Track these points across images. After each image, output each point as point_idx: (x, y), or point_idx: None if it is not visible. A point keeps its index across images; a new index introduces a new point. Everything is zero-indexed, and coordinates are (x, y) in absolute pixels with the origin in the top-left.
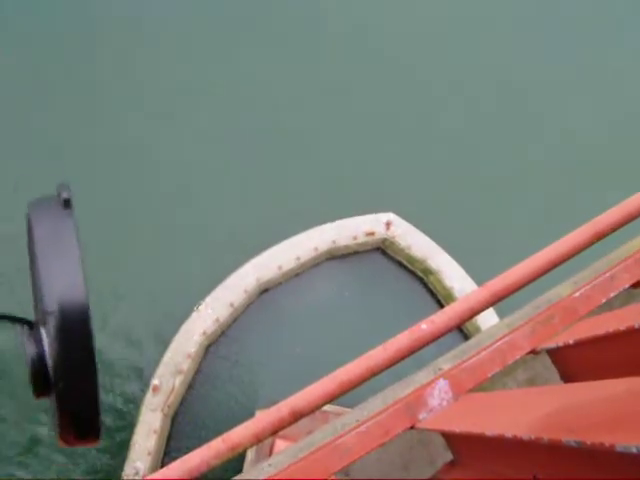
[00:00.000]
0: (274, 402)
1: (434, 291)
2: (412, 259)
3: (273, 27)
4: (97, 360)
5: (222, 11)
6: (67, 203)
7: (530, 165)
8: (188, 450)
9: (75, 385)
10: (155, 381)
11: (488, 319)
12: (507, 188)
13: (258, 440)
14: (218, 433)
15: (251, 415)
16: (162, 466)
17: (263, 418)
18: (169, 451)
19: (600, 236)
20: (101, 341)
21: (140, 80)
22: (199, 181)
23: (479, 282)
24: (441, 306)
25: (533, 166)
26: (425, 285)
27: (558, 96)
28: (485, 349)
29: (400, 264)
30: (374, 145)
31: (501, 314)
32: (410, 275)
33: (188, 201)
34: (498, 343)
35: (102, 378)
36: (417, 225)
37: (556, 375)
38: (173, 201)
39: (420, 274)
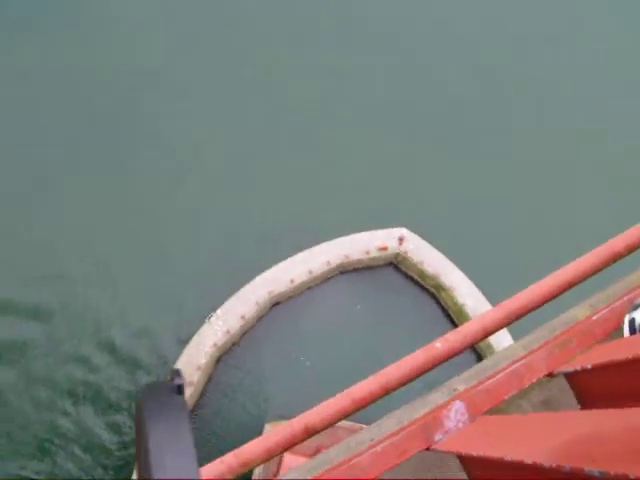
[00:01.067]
0: (283, 415)
1: (446, 307)
2: (424, 275)
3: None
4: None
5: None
6: (180, 390)
7: (548, 184)
8: (197, 459)
9: None
10: None
11: (500, 337)
12: (524, 207)
13: (270, 456)
14: (226, 441)
15: (260, 426)
16: None
17: (276, 434)
18: None
19: (617, 257)
20: (110, 344)
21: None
22: (220, 194)
23: (491, 299)
24: (452, 322)
25: (551, 185)
26: (437, 301)
27: (586, 116)
28: (501, 371)
29: (412, 279)
30: (389, 160)
31: (514, 333)
32: (422, 291)
33: (204, 214)
34: (515, 365)
35: (109, 394)
36: (430, 240)
37: (572, 398)
38: (192, 212)
39: (432, 290)
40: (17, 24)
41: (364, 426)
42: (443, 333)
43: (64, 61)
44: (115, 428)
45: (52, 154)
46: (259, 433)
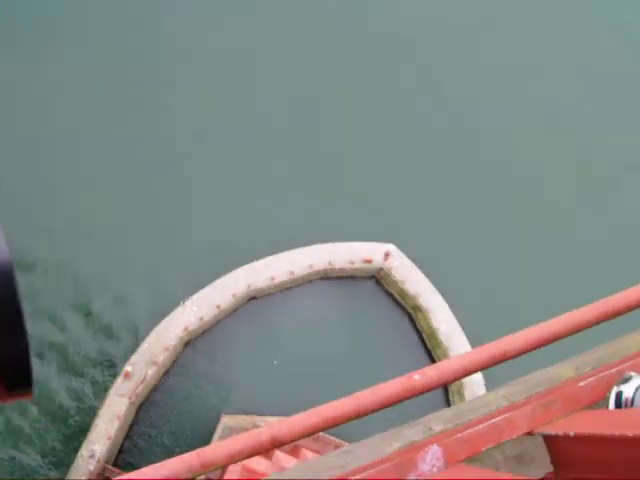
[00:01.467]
0: (241, 408)
1: (419, 329)
2: (404, 294)
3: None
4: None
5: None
6: None
7: (550, 224)
8: (149, 437)
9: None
10: (127, 368)
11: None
12: (519, 251)
13: (232, 461)
14: (182, 425)
15: (217, 414)
16: (121, 450)
17: (241, 440)
18: (131, 435)
19: (608, 317)
20: (81, 319)
21: None
22: (219, 182)
23: (465, 328)
24: (424, 344)
25: (552, 225)
26: (412, 321)
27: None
28: (482, 422)
29: (392, 296)
30: (386, 174)
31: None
32: (399, 309)
33: (200, 201)
34: (497, 419)
35: (74, 358)
36: (417, 259)
37: (546, 456)
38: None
39: (409, 310)
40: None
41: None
42: (412, 353)
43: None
44: (73, 393)
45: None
46: (215, 421)
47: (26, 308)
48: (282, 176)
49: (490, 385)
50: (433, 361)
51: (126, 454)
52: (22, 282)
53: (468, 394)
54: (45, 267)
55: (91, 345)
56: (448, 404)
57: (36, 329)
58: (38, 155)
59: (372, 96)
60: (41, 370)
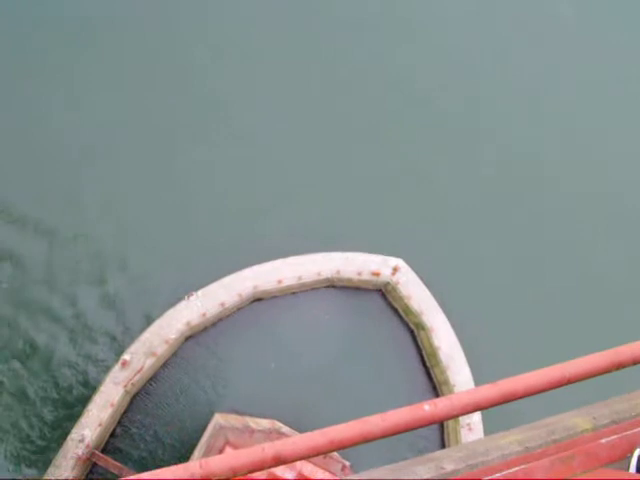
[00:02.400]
0: (235, 408)
1: (420, 346)
2: (409, 310)
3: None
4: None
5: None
6: None
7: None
8: (142, 425)
9: None
10: (126, 356)
11: (458, 372)
12: (533, 281)
13: (234, 474)
14: (175, 417)
15: (210, 411)
16: (112, 434)
17: (245, 455)
18: (122, 421)
19: (621, 366)
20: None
21: None
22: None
23: (467, 349)
24: (423, 362)
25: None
26: (414, 338)
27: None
28: (498, 470)
29: (396, 311)
30: (405, 189)
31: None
32: (403, 324)
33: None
34: (514, 469)
35: (72, 338)
36: (425, 276)
37: None
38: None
39: (412, 326)
40: None
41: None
42: (410, 370)
43: None
44: (71, 378)
45: None
46: (208, 416)
47: (39, 277)
48: (302, 183)
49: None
50: (431, 379)
51: (116, 439)
52: (39, 251)
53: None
54: (64, 238)
55: (98, 323)
56: (442, 430)
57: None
58: (69, 122)
59: (393, 109)
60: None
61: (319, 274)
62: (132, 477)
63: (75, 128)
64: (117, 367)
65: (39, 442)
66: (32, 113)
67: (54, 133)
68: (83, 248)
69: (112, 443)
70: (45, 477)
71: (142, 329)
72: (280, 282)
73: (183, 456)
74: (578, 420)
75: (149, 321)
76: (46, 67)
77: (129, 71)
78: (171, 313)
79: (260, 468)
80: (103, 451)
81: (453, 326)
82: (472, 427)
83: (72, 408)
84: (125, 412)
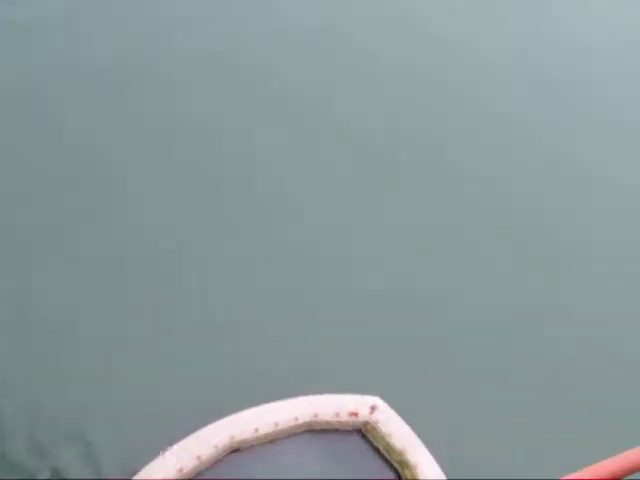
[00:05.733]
0: None
1: None
2: (391, 448)
3: None
4: None
5: None
6: None
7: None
8: None
9: None
10: None
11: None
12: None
13: None
14: None
15: None
16: None
17: None
18: None
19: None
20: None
21: None
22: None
23: None
24: None
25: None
26: (399, 476)
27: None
28: None
29: (378, 450)
30: (373, 324)
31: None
32: (386, 464)
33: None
34: None
35: None
36: (403, 410)
37: None
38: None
39: (396, 465)
40: None
41: None
42: None
43: None
44: None
45: None
46: None
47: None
48: (269, 328)
49: None
50: None
51: None
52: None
53: None
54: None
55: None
56: None
57: None
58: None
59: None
60: None
61: (296, 419)
62: None
63: None
64: None
65: None
66: None
67: None
68: None
69: None
70: None
71: None
72: (257, 430)
73: None
74: None
75: None
76: None
77: None
78: (147, 470)
79: None
80: None
81: (437, 460)
82: None
83: None
84: None
